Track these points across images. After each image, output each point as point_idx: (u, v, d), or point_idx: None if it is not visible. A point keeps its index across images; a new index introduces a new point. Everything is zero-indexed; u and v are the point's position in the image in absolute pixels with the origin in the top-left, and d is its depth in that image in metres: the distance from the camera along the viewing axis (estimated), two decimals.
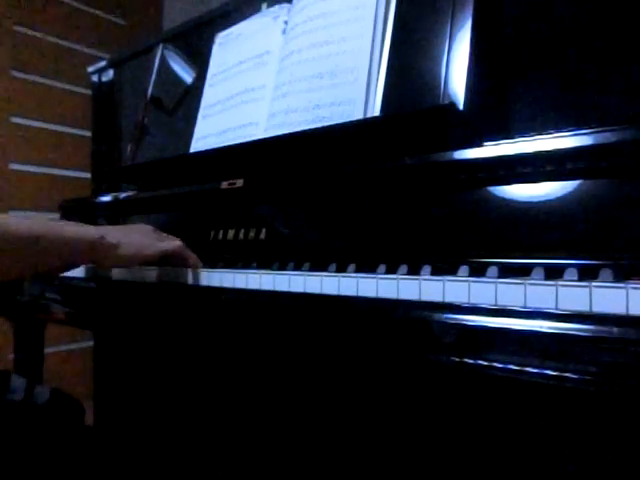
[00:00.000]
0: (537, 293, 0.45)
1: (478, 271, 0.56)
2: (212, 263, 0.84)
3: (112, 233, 0.76)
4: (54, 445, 0.71)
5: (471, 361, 0.45)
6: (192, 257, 0.80)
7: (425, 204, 0.67)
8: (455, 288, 0.50)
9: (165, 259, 0.80)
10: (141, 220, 1.09)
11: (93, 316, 0.97)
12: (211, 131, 1.00)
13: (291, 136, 0.81)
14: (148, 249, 0.78)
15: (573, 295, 0.43)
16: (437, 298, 0.51)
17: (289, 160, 0.84)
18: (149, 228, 0.82)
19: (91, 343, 1.68)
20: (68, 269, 0.84)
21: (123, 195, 1.16)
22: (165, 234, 0.84)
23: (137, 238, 0.78)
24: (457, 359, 0.46)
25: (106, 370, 1.45)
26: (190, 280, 0.78)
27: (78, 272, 0.97)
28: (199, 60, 1.12)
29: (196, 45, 1.17)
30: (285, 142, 0.82)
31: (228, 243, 0.87)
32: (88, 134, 1.55)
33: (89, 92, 1.53)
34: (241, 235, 0.85)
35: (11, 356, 1.21)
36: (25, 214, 1.98)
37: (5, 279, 0.83)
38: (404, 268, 0.62)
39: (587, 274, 0.50)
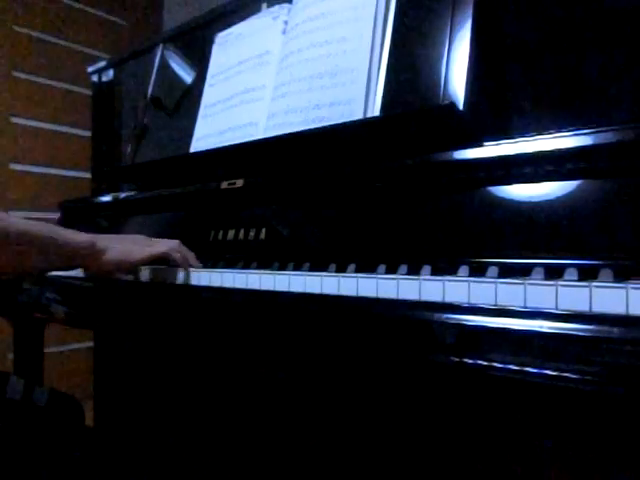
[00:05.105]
0: (537, 293, 0.45)
1: (478, 271, 0.56)
2: (212, 263, 0.84)
3: (102, 240, 0.79)
4: (54, 446, 0.71)
5: (471, 361, 0.45)
6: (185, 258, 0.80)
7: (425, 204, 0.66)
8: (455, 288, 0.50)
9: (163, 261, 0.81)
10: (141, 220, 1.09)
11: (93, 316, 0.97)
12: (211, 131, 1.00)
13: (291, 136, 0.81)
14: (135, 254, 0.80)
15: (573, 295, 0.43)
16: (437, 298, 0.51)
17: (289, 160, 0.84)
18: (141, 237, 0.85)
19: (91, 343, 1.68)
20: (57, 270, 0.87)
21: (123, 195, 1.16)
22: (158, 239, 0.85)
23: (125, 245, 0.80)
24: (457, 359, 0.46)
25: (106, 370, 1.45)
26: (190, 280, 0.78)
27: (78, 272, 0.97)
28: (199, 60, 1.12)
29: (196, 45, 1.17)
30: (285, 142, 0.82)
31: (228, 243, 0.87)
32: (88, 134, 1.55)
33: (89, 92, 1.53)
34: (241, 235, 0.85)
35: (11, 356, 1.21)
36: (25, 214, 1.97)
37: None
38: (404, 268, 0.62)
39: (587, 274, 0.50)
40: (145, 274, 0.85)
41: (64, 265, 0.82)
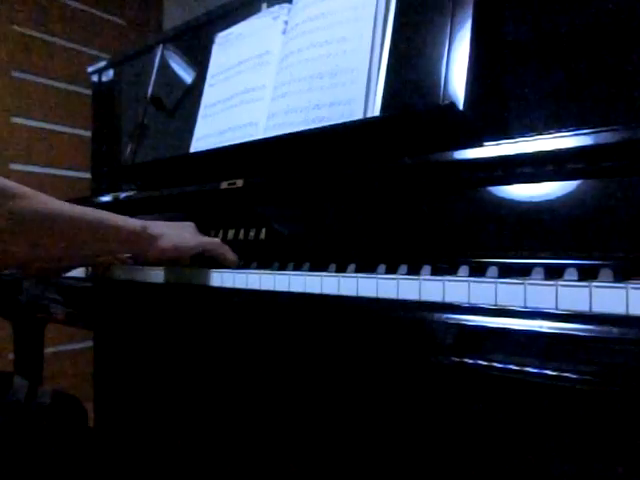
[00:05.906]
0: (537, 293, 0.45)
1: (478, 271, 0.56)
2: None
3: (154, 225, 0.77)
4: (56, 447, 0.71)
5: (471, 361, 0.45)
6: (230, 254, 0.80)
7: (425, 204, 0.66)
8: (455, 288, 0.50)
9: (202, 256, 0.81)
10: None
11: (93, 316, 0.97)
12: (211, 131, 1.00)
13: (291, 136, 0.81)
14: (189, 242, 0.78)
15: (573, 295, 0.43)
16: (437, 298, 0.51)
17: (289, 160, 0.84)
18: (190, 224, 0.83)
19: (91, 343, 1.68)
20: (102, 261, 0.86)
21: (123, 195, 1.16)
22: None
23: (179, 231, 0.79)
24: (457, 359, 0.46)
25: (106, 370, 1.45)
26: (190, 280, 0.78)
27: (78, 272, 0.97)
28: (199, 60, 1.12)
29: (196, 45, 1.17)
30: (285, 142, 0.82)
31: (228, 243, 0.86)
32: (88, 134, 1.55)
33: (89, 92, 1.53)
34: (241, 235, 0.85)
35: (11, 356, 1.21)
36: None
37: (56, 266, 0.85)
38: (404, 268, 0.62)
39: (587, 274, 0.50)
40: (147, 273, 0.85)
41: (115, 251, 0.81)
